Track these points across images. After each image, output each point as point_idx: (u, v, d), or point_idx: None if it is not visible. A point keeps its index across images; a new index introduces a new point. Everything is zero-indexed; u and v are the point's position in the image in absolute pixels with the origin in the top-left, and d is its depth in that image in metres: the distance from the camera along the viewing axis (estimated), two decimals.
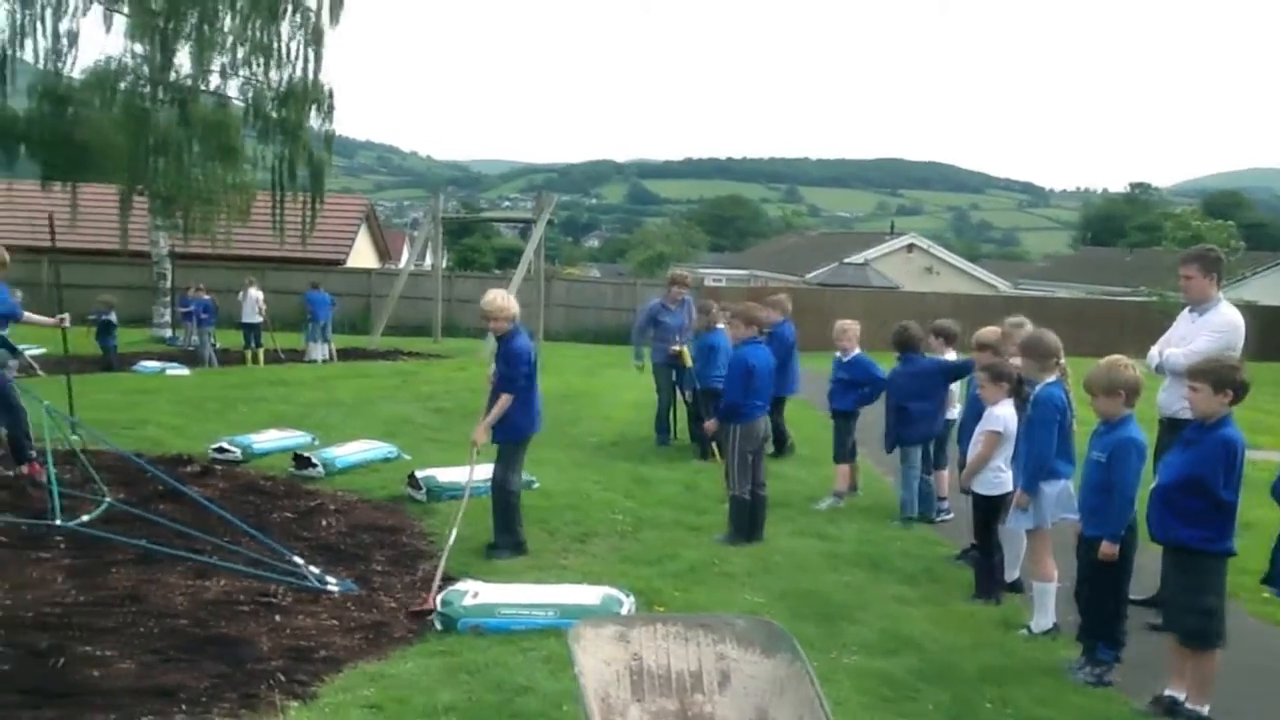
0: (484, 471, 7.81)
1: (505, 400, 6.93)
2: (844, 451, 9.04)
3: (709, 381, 10.27)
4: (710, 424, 8.92)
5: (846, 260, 42.19)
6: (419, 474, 8.77)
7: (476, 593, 5.70)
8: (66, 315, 8.98)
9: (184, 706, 4.53)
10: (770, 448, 9.43)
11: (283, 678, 4.85)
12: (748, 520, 7.67)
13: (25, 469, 8.26)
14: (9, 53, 24.42)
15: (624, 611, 5.55)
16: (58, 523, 6.73)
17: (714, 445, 9.40)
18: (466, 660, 5.08)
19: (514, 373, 6.94)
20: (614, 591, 5.82)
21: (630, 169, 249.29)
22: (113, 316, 19.19)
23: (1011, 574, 6.70)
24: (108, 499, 7.44)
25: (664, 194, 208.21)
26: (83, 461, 7.93)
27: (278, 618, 5.71)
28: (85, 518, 6.99)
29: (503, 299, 7.07)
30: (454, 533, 6.78)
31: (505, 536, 7.12)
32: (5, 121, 24.69)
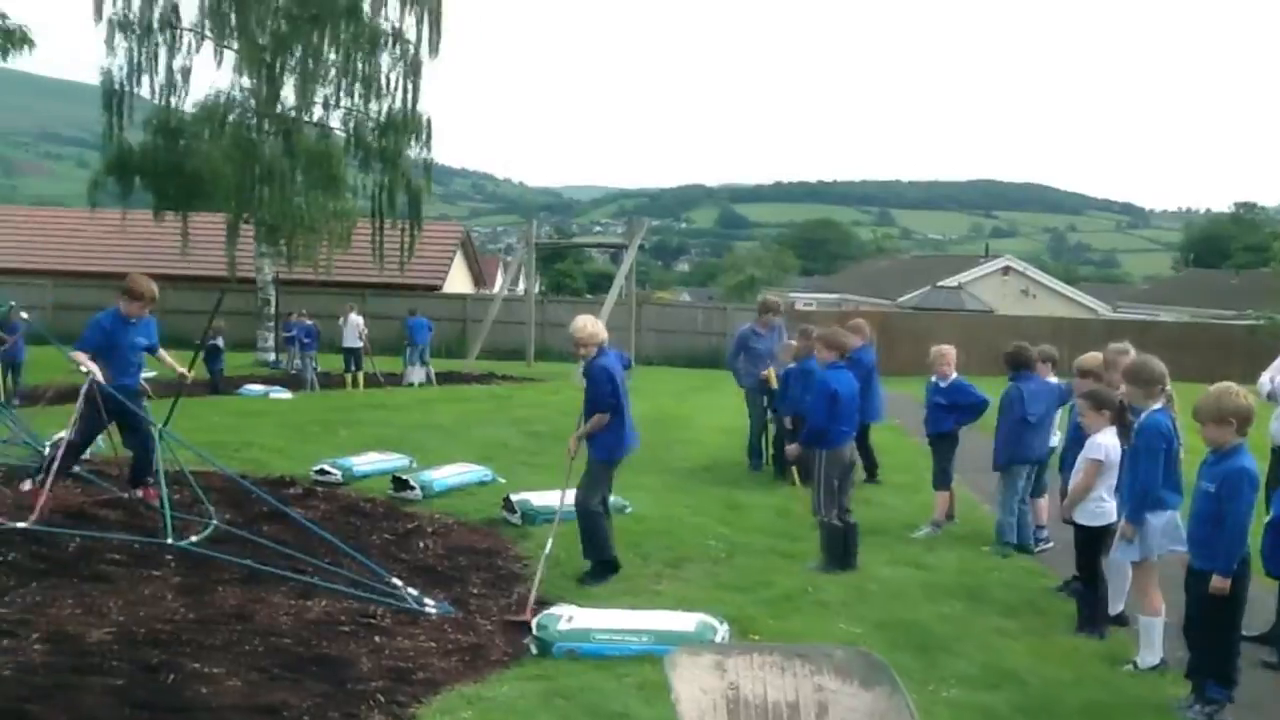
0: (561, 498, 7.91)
1: (600, 417, 7.06)
2: (944, 478, 8.92)
3: (803, 406, 10.23)
4: (792, 448, 8.99)
5: (940, 284, 41.62)
6: (514, 497, 8.87)
7: (572, 617, 5.75)
8: (191, 374, 9.12)
9: None
10: (862, 474, 9.36)
11: (383, 698, 4.95)
12: (840, 547, 7.61)
13: (140, 492, 8.48)
14: (127, 89, 25.53)
15: (718, 639, 5.54)
16: (169, 542, 6.96)
17: (794, 469, 9.42)
18: (562, 685, 5.12)
19: (597, 392, 7.04)
20: (708, 618, 5.82)
21: (721, 193, 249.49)
22: (220, 341, 19.82)
23: (1116, 607, 6.52)
24: (215, 520, 7.66)
25: (754, 218, 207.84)
26: (191, 483, 8.18)
27: (378, 639, 5.82)
28: (194, 538, 7.21)
29: (590, 324, 7.17)
30: (548, 550, 6.85)
31: (594, 555, 7.14)
32: (122, 154, 25.84)
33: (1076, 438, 6.79)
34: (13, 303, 7.53)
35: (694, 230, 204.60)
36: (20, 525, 6.88)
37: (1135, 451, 5.87)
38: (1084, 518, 6.35)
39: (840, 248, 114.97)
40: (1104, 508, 6.28)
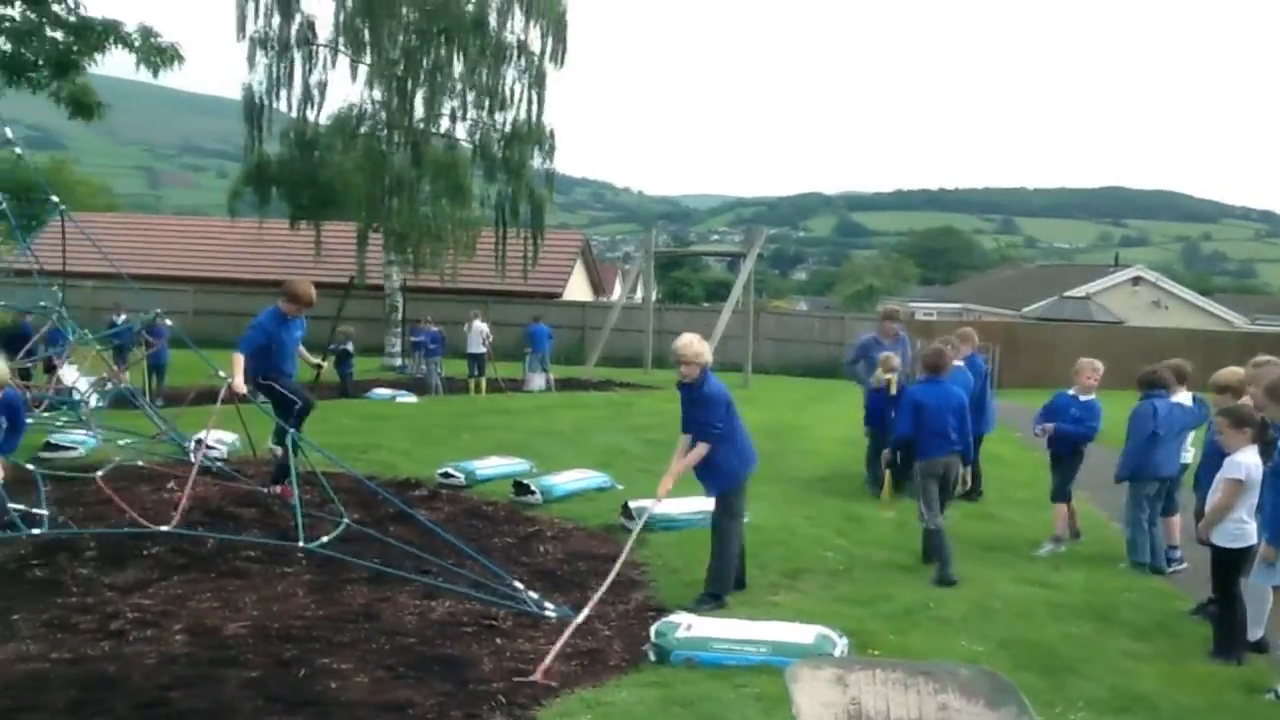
0: (686, 504, 7.92)
1: (701, 449, 6.83)
2: (1062, 492, 8.70)
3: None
4: (886, 454, 9.36)
5: (1067, 294, 40.37)
6: (632, 504, 8.94)
7: (690, 625, 5.77)
8: (324, 363, 9.62)
9: None
10: (962, 486, 9.27)
11: (504, 699, 5.05)
12: (948, 551, 7.57)
13: (278, 489, 8.80)
14: (266, 103, 26.58)
15: (837, 653, 5.49)
16: (301, 544, 7.22)
17: (887, 471, 9.48)
18: (679, 693, 5.14)
19: (712, 418, 6.79)
20: (828, 631, 5.77)
21: (839, 201, 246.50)
22: (350, 346, 20.44)
23: (1255, 633, 6.25)
24: (345, 520, 7.91)
25: (873, 226, 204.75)
26: (323, 484, 8.46)
27: (499, 640, 5.95)
28: (325, 539, 7.46)
29: (697, 343, 6.84)
30: (621, 560, 6.84)
31: (713, 585, 6.85)
32: (260, 165, 26.95)
33: (1213, 455, 6.54)
34: (159, 310, 7.91)
35: (811, 238, 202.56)
36: (164, 529, 7.22)
37: (1277, 471, 5.63)
38: (1222, 539, 6.11)
39: (962, 257, 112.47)
40: (1244, 529, 6.04)
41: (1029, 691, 4.61)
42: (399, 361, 27.26)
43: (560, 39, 27.53)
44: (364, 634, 5.96)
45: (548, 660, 5.51)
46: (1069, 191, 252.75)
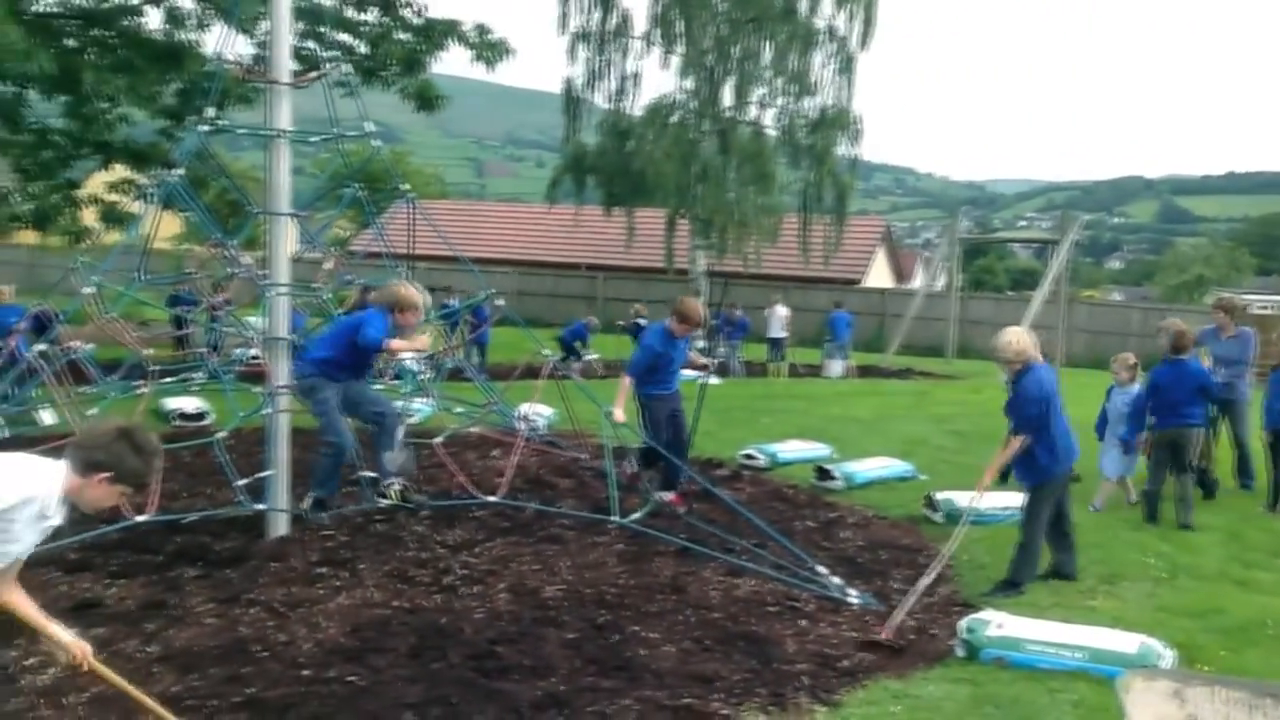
0: (995, 499, 7.63)
1: (1015, 443, 6.74)
2: None
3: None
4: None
5: None
6: (937, 495, 8.72)
7: (1002, 624, 5.58)
8: (714, 363, 9.74)
9: (720, 695, 4.90)
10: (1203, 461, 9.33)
11: (808, 681, 5.09)
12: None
13: (670, 497, 8.52)
14: (583, 95, 27.83)
15: (1164, 665, 5.15)
16: (615, 519, 7.57)
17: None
18: (991, 692, 4.99)
19: (1026, 413, 6.70)
20: (1152, 642, 5.41)
21: (1162, 185, 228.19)
22: (642, 322, 21.06)
23: None
24: (656, 496, 8.19)
25: (1200, 212, 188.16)
26: (633, 461, 8.77)
27: (802, 623, 5.98)
28: (636, 515, 7.77)
29: (1019, 342, 6.74)
30: (944, 558, 6.66)
31: (1015, 574, 6.80)
32: (578, 155, 28.27)
33: None
34: (492, 289, 8.44)
35: (1128, 225, 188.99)
36: (491, 499, 7.73)
37: None
38: None
39: None
40: None
41: None
42: (702, 344, 27.80)
43: (869, 21, 27.16)
44: (671, 605, 6.16)
45: (896, 617, 5.86)
46: None
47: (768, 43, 26.63)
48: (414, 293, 7.08)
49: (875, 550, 7.68)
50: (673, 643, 5.57)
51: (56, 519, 3.60)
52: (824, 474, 9.82)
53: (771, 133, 27.98)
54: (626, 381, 8.41)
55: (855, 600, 6.38)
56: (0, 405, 8.19)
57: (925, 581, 6.24)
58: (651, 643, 5.55)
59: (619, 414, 8.20)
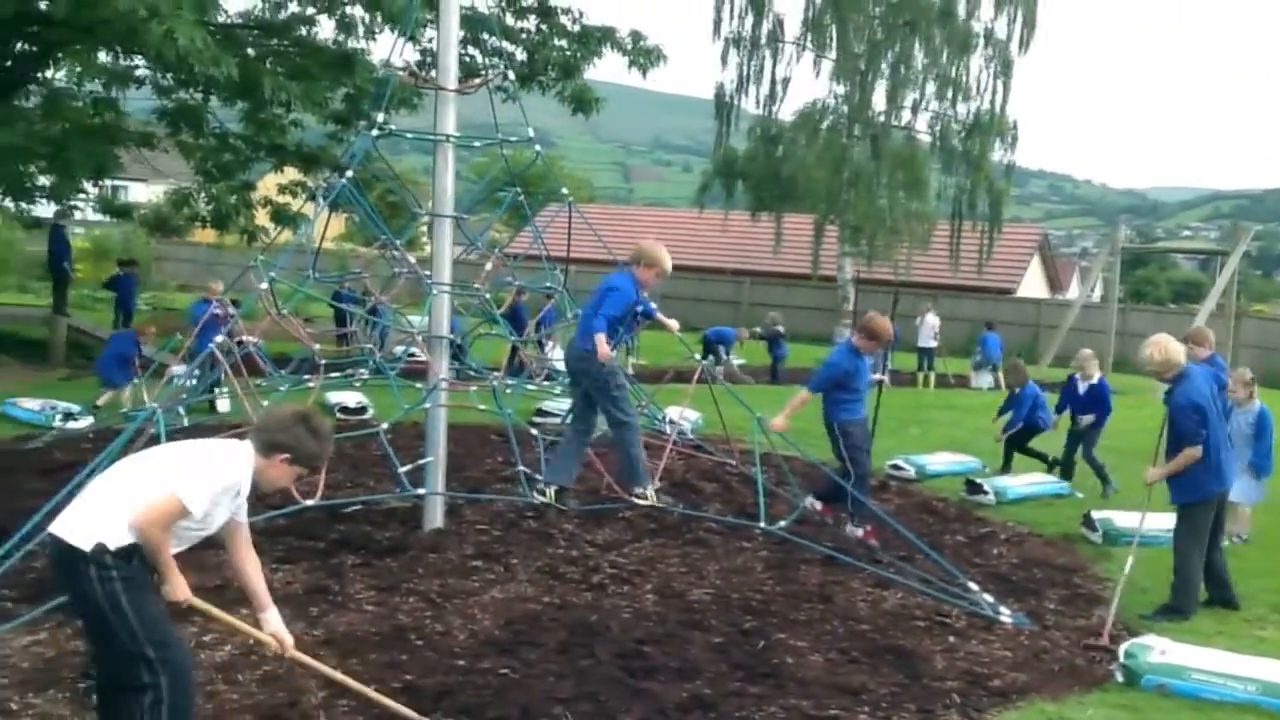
0: (1159, 520, 7.34)
1: (1187, 453, 6.50)
2: None
3: None
4: None
5: None
6: (1095, 514, 8.46)
7: (1164, 650, 5.38)
8: (885, 378, 9.50)
9: (866, 708, 4.87)
10: None
11: (958, 699, 5.01)
12: None
13: (862, 531, 8.05)
14: (734, 101, 27.84)
15: None
16: (762, 525, 7.56)
17: None
18: (1150, 719, 4.83)
19: (1181, 425, 6.50)
20: None
21: None
22: (780, 329, 20.89)
23: None
24: (803, 503, 8.15)
25: None
26: (783, 467, 8.72)
27: (951, 639, 5.89)
28: (783, 522, 7.74)
29: (1158, 352, 6.62)
30: (1127, 570, 6.45)
31: (1176, 600, 6.62)
32: (728, 160, 28.28)
33: None
34: (645, 294, 8.53)
35: None
36: (643, 502, 7.78)
37: None
38: None
39: None
40: None
41: None
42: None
43: (1029, 24, 26.38)
44: (818, 614, 6.14)
45: (1109, 623, 6.04)
46: None
47: (922, 46, 26.13)
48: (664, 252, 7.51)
49: (1029, 568, 7.50)
50: (819, 652, 5.55)
51: (244, 496, 3.86)
52: (974, 488, 9.61)
53: (925, 138, 27.46)
54: (804, 394, 8.12)
55: (1009, 619, 6.23)
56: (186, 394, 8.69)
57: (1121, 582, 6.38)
58: (798, 651, 5.55)
59: (780, 422, 7.95)
